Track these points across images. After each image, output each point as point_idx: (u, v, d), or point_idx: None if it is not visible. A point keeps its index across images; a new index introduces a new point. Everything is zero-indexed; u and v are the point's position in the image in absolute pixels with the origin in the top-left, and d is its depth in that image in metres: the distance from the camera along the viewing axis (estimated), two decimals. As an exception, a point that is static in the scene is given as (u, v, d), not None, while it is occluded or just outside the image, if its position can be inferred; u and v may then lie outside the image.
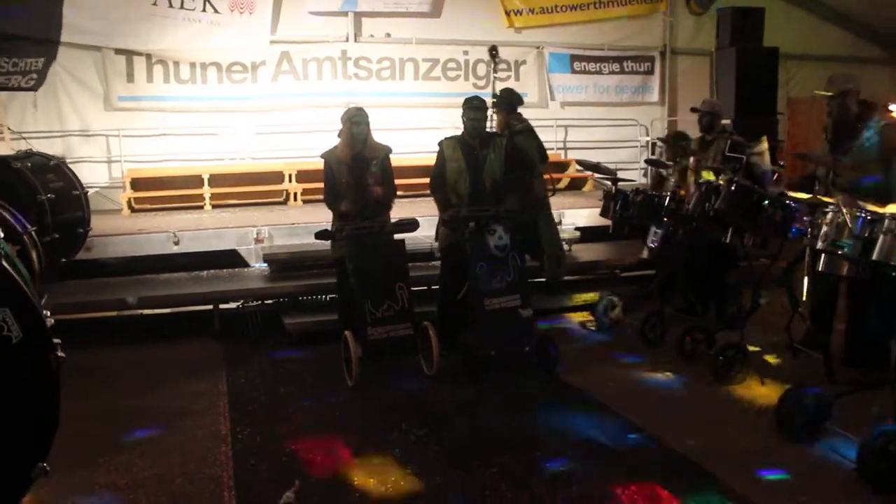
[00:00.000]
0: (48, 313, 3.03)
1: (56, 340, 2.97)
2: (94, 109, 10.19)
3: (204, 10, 10.35)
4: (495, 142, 6.08)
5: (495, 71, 8.27)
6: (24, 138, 8.98)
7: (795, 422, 4.39)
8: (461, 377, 5.54)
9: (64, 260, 7.04)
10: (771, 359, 5.53)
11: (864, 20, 13.26)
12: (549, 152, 9.16)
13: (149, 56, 10.30)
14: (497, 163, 5.99)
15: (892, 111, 6.14)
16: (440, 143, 6.17)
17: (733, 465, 4.15)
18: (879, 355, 5.15)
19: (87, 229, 7.40)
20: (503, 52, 11.73)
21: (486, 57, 11.46)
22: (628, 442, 4.53)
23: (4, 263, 2.84)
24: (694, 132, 7.86)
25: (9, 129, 9.30)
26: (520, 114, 6.94)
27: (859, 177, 5.00)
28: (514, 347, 5.65)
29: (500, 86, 7.50)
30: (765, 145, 6.89)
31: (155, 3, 10.13)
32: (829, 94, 5.27)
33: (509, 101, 6.91)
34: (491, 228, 5.67)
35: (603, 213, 6.85)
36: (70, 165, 7.82)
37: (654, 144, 11.94)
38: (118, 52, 10.14)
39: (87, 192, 7.64)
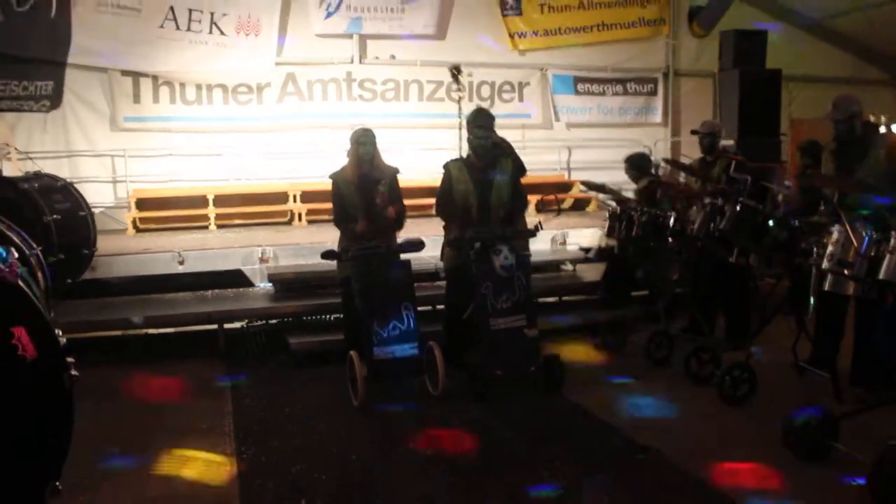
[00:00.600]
0: (60, 332, 3.04)
1: (70, 359, 2.98)
2: (101, 130, 10.24)
3: (210, 32, 10.42)
4: (502, 163, 6.08)
5: (458, 90, 8.23)
6: (31, 158, 9.03)
7: (801, 441, 4.38)
8: (467, 397, 5.53)
9: (70, 280, 7.05)
10: (778, 378, 5.51)
11: (864, 42, 13.33)
12: (553, 173, 9.24)
13: (155, 77, 10.37)
14: (504, 183, 5.99)
15: (892, 132, 6.17)
16: (446, 165, 6.18)
17: (742, 485, 4.13)
18: (886, 374, 5.17)
19: (93, 250, 7.42)
20: (507, 75, 11.86)
21: (490, 79, 11.65)
22: (635, 462, 4.52)
23: (20, 283, 2.86)
24: (695, 153, 7.92)
25: (16, 149, 9.34)
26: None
27: (867, 196, 5.02)
28: (520, 367, 5.64)
29: (466, 106, 7.57)
30: None
31: (162, 26, 10.20)
32: (839, 118, 5.31)
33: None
34: (496, 249, 5.67)
35: (608, 234, 6.86)
36: (76, 185, 7.85)
37: (657, 166, 11.97)
38: (125, 73, 10.20)
39: (94, 213, 7.66)
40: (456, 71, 8.45)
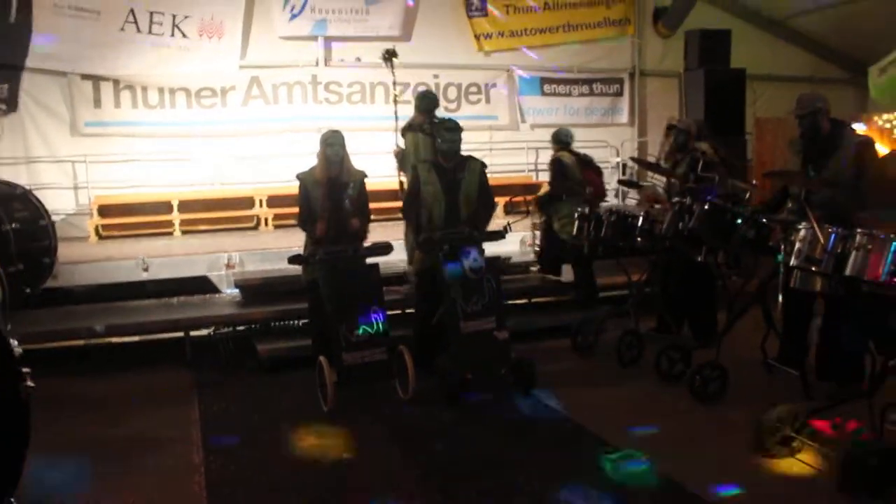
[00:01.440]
0: (16, 342, 2.94)
1: (25, 370, 2.88)
2: (61, 135, 10.07)
3: (172, 35, 10.29)
4: (470, 165, 6.06)
5: (394, 80, 7.88)
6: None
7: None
8: (438, 401, 5.48)
9: (29, 290, 6.89)
10: (747, 376, 5.53)
11: (826, 43, 13.54)
12: (520, 174, 9.24)
13: (116, 81, 10.21)
14: (472, 185, 5.97)
15: (856, 130, 6.23)
16: (414, 167, 6.15)
17: (713, 481, 4.13)
18: (853, 369, 5.21)
19: (54, 259, 7.26)
20: (474, 77, 11.85)
21: (457, 80, 11.61)
22: (607, 462, 4.50)
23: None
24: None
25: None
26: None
27: (834, 193, 5.05)
28: (491, 370, 5.61)
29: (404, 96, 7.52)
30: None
31: (122, 29, 10.06)
32: (802, 113, 5.33)
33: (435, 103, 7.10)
34: (465, 251, 5.64)
35: (577, 234, 6.85)
36: (36, 192, 7.68)
37: (624, 165, 12.04)
38: (84, 77, 10.04)
39: (54, 221, 7.50)
40: (389, 54, 8.00)
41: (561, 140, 7.96)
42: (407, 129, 7.22)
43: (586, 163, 7.80)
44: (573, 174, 7.67)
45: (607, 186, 9.93)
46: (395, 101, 7.43)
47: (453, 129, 5.95)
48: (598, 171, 7.88)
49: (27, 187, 7.69)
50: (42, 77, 9.83)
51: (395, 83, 7.89)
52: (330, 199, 5.87)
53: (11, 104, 9.48)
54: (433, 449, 4.77)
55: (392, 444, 4.85)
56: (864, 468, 3.78)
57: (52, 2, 9.61)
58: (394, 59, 7.89)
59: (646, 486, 4.18)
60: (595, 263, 7.73)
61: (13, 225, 6.64)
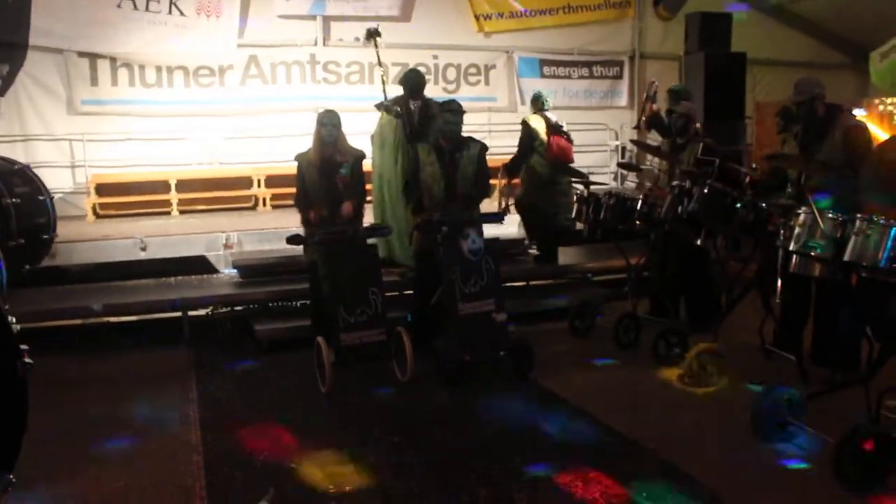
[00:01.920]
0: (14, 319, 2.94)
1: (23, 346, 2.88)
2: (57, 113, 10.00)
3: (170, 12, 10.21)
4: (469, 145, 6.05)
5: (377, 54, 7.66)
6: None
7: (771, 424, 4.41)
8: (436, 383, 5.50)
9: (28, 266, 6.88)
10: (745, 361, 5.54)
11: (827, 27, 13.48)
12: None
13: (113, 59, 10.13)
14: (470, 167, 5.96)
15: (855, 115, 6.22)
16: (413, 148, 6.13)
17: (709, 465, 4.15)
18: (850, 355, 5.22)
19: (53, 235, 7.25)
20: (473, 58, 11.79)
21: (456, 61, 11.54)
22: (605, 445, 4.51)
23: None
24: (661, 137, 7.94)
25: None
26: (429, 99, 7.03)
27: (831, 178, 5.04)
28: (489, 352, 5.62)
29: (432, 91, 7.48)
30: None
31: (119, 6, 9.97)
32: (801, 100, 5.32)
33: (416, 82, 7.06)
34: (464, 232, 5.63)
35: (576, 217, 6.85)
36: (34, 170, 7.64)
37: (623, 148, 12.01)
38: (81, 55, 9.95)
39: (53, 197, 7.47)
40: (371, 33, 7.84)
41: (534, 103, 8.09)
42: (378, 107, 7.15)
43: (556, 128, 7.85)
44: (536, 136, 7.73)
45: (606, 169, 9.97)
46: (383, 82, 7.33)
47: (456, 111, 5.93)
48: (568, 138, 7.90)
49: (25, 164, 7.65)
50: (39, 54, 9.76)
51: (379, 63, 7.71)
52: (323, 179, 5.86)
53: (7, 83, 9.39)
54: (431, 431, 4.78)
55: (390, 425, 4.86)
56: (859, 455, 3.79)
57: (49, -23, 9.54)
58: (377, 39, 7.77)
59: (639, 466, 4.20)
60: (591, 245, 7.74)
61: (13, 200, 6.60)
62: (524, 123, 7.90)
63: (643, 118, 7.92)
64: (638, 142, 8.23)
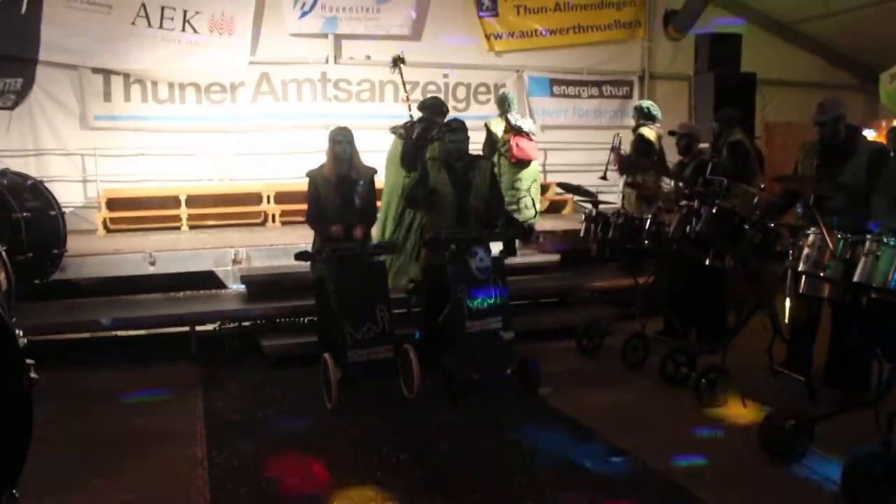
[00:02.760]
0: (20, 333, 2.94)
1: (29, 361, 2.88)
2: (70, 128, 10.05)
3: (183, 30, 10.28)
4: (480, 165, 6.07)
5: (402, 80, 7.88)
6: (-3, 157, 8.85)
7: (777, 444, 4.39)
8: (442, 400, 5.48)
9: (38, 281, 6.91)
10: (752, 381, 5.51)
11: (836, 48, 13.48)
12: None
13: (126, 75, 10.20)
14: (483, 185, 5.98)
15: (868, 135, 6.22)
16: (424, 164, 6.15)
17: (718, 487, 4.12)
18: (860, 376, 5.19)
19: (63, 249, 7.28)
20: (483, 76, 11.83)
21: (466, 80, 11.60)
22: (612, 465, 4.49)
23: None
24: (671, 155, 7.95)
25: (-19, 147, 9.18)
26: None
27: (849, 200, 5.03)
28: (496, 370, 5.60)
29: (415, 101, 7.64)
30: None
31: (133, 23, 10.04)
32: (824, 120, 5.30)
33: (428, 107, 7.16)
34: (472, 251, 5.64)
35: (584, 236, 6.84)
36: (45, 185, 7.69)
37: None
38: (95, 70, 10.02)
39: (64, 212, 7.52)
40: (397, 60, 7.98)
41: (500, 105, 8.49)
42: (392, 130, 7.27)
43: (517, 129, 8.21)
44: (497, 138, 8.23)
45: (615, 188, 9.97)
46: (409, 108, 7.43)
47: (456, 129, 5.95)
48: (528, 137, 8.29)
49: (37, 178, 7.70)
50: (53, 70, 9.82)
51: (405, 86, 7.86)
52: (340, 196, 5.88)
53: (22, 97, 9.44)
54: (437, 449, 4.77)
55: (396, 443, 4.84)
56: (870, 476, 3.76)
57: (64, -6, 9.63)
58: (401, 66, 7.92)
59: (647, 486, 4.17)
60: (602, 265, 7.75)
61: (24, 214, 6.65)
62: (486, 128, 8.31)
63: (611, 167, 8.30)
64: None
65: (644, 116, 8.29)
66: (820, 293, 4.62)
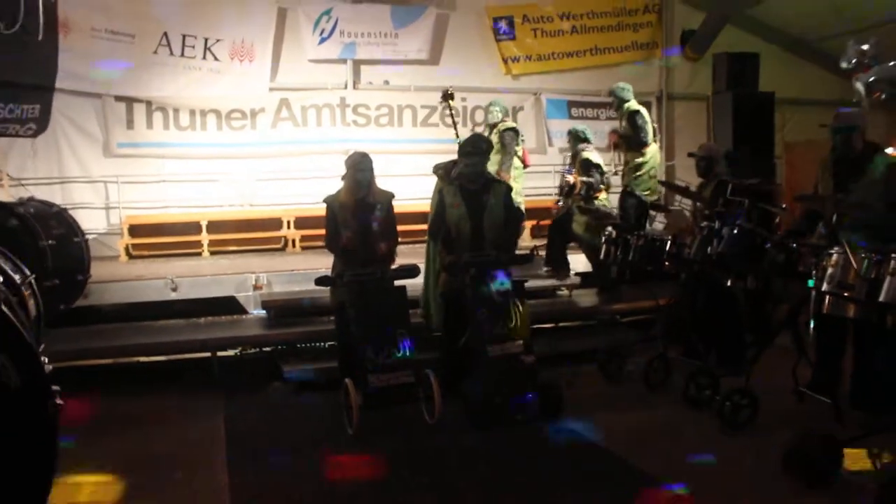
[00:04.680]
0: (46, 360, 2.97)
1: (54, 387, 2.90)
2: (94, 156, 10.18)
3: (204, 58, 10.41)
4: (495, 188, 6.07)
5: (451, 115, 8.09)
6: (23, 184, 8.97)
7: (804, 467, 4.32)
8: (464, 425, 5.45)
9: (63, 307, 6.97)
10: (778, 404, 5.44)
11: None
12: (548, 198, 9.27)
13: (149, 103, 10.33)
14: (498, 208, 5.98)
15: (889, 152, 6.17)
16: (440, 190, 6.16)
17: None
18: (887, 398, 5.10)
19: (87, 276, 7.35)
20: (501, 99, 11.84)
21: (484, 103, 11.65)
22: (637, 490, 4.44)
23: (4, 308, 2.79)
24: (690, 177, 7.92)
25: (8, 175, 9.29)
26: None
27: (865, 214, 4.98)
28: (518, 394, 5.56)
29: (463, 132, 7.64)
30: None
31: (156, 52, 10.18)
32: (839, 126, 5.25)
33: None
34: (492, 274, 5.63)
35: (604, 258, 6.82)
36: (69, 212, 7.79)
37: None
38: (118, 98, 10.17)
39: (87, 238, 7.60)
40: (446, 96, 8.26)
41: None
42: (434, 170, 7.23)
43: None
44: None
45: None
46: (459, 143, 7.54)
47: (471, 153, 5.96)
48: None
49: (62, 206, 7.79)
50: (76, 98, 9.96)
51: (454, 122, 7.96)
52: (357, 222, 5.91)
53: (42, 125, 9.57)
54: (459, 475, 4.74)
55: (418, 469, 4.82)
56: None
57: (89, 25, 9.77)
58: (451, 102, 8.10)
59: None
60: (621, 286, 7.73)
61: (49, 242, 6.73)
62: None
63: (565, 189, 8.47)
64: (667, 183, 8.23)
65: (581, 140, 8.56)
66: (845, 313, 4.57)
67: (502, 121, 9.04)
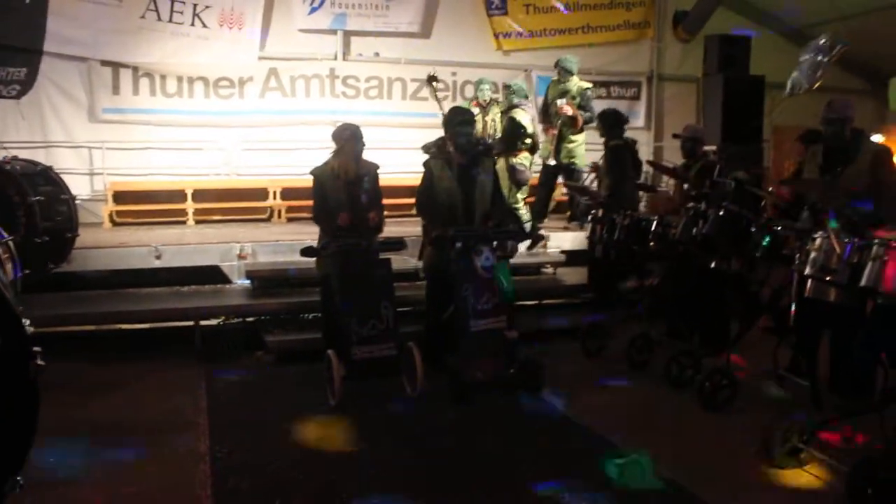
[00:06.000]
0: (28, 321, 2.95)
1: (36, 348, 2.88)
2: (79, 121, 10.06)
3: (192, 24, 10.29)
4: (484, 161, 6.05)
5: (436, 97, 8.22)
6: (5, 147, 8.86)
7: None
8: (444, 398, 5.47)
9: (52, 265, 6.93)
10: (757, 385, 5.50)
11: (849, 53, 13.38)
12: (536, 176, 9.26)
13: (135, 68, 10.21)
14: (488, 182, 5.96)
15: (875, 139, 6.20)
16: (426, 163, 6.14)
17: (720, 489, 4.11)
18: (865, 382, 5.15)
19: (76, 234, 7.30)
20: (492, 75, 11.77)
21: (474, 78, 11.61)
22: (612, 465, 4.48)
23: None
24: (677, 158, 7.93)
25: (-10, 137, 9.19)
26: None
27: (850, 201, 5.00)
28: (500, 369, 5.60)
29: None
30: None
31: (143, 17, 10.05)
32: (832, 117, 5.26)
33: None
34: (477, 249, 5.63)
35: (590, 237, 6.83)
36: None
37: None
38: (104, 63, 10.03)
39: (75, 197, 7.53)
40: (431, 79, 8.31)
41: (518, 96, 8.82)
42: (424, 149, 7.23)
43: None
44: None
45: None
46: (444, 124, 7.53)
47: (467, 122, 5.94)
48: None
49: (47, 165, 7.72)
50: (62, 62, 9.83)
51: (439, 104, 7.96)
52: (347, 193, 5.89)
53: (27, 87, 9.44)
54: (439, 447, 4.77)
55: (398, 440, 4.85)
56: (873, 483, 3.74)
57: (75, -13, 9.65)
58: (434, 84, 8.21)
59: (650, 489, 4.16)
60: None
61: (38, 198, 6.68)
62: (511, 120, 8.56)
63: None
64: (654, 163, 8.23)
65: (519, 95, 8.65)
66: (826, 297, 4.60)
67: (493, 99, 9.02)
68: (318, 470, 4.41)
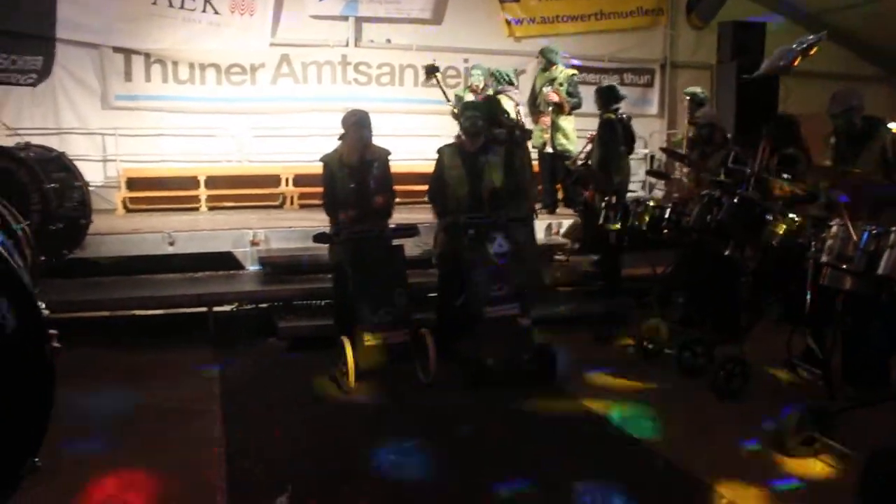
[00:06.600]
0: (43, 304, 2.96)
1: (52, 331, 2.90)
2: (91, 107, 10.09)
3: (204, 10, 10.28)
4: (494, 149, 6.05)
5: (439, 85, 8.38)
6: (19, 134, 8.88)
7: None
8: (457, 385, 5.48)
9: (66, 252, 6.97)
10: (770, 373, 5.48)
11: (863, 39, 13.28)
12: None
13: (147, 55, 10.22)
14: (497, 169, 5.95)
15: (892, 128, 6.14)
16: (440, 150, 6.14)
17: (735, 478, 4.10)
18: (880, 371, 5.13)
19: (90, 220, 7.34)
20: (503, 62, 11.73)
21: (486, 64, 11.53)
22: (626, 454, 4.48)
23: (2, 251, 2.78)
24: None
25: (4, 124, 9.20)
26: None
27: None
28: (513, 357, 5.59)
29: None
30: None
31: (155, 3, 10.04)
32: (836, 112, 5.23)
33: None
34: (491, 236, 5.62)
35: (603, 224, 6.81)
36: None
37: (652, 157, 11.93)
38: (116, 50, 10.04)
39: (88, 184, 7.55)
40: (430, 70, 8.30)
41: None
42: None
43: None
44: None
45: (635, 178, 9.95)
46: (453, 114, 7.59)
47: (475, 107, 5.96)
48: None
49: (61, 151, 7.74)
50: (74, 49, 9.85)
51: (445, 95, 8.21)
52: (355, 180, 5.88)
53: (43, 75, 9.46)
54: (452, 434, 4.78)
55: (411, 427, 4.85)
56: (886, 474, 3.72)
57: (86, -27, 9.65)
58: (437, 75, 8.33)
59: (662, 478, 4.16)
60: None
61: (52, 185, 6.71)
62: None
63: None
64: (668, 150, 8.19)
65: (503, 82, 8.71)
66: (842, 286, 4.57)
67: (485, 85, 9.00)
68: (330, 456, 4.43)
